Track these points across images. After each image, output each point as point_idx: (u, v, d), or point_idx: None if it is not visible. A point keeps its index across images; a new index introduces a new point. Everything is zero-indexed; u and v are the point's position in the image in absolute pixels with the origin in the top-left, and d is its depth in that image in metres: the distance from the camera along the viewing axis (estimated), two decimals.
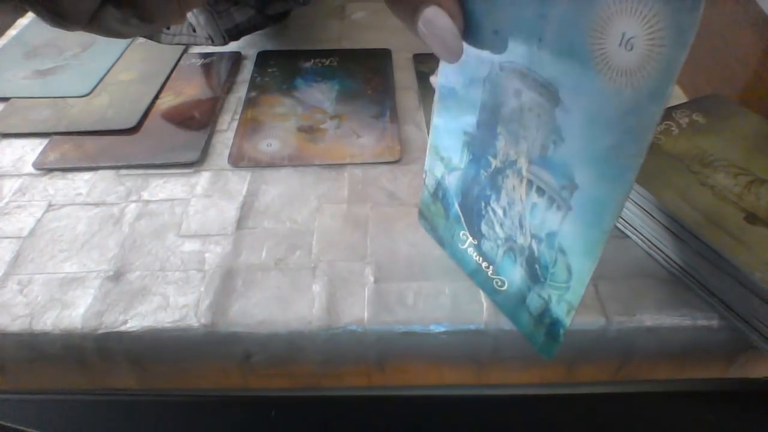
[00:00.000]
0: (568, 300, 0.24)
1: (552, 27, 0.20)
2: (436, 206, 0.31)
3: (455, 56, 0.22)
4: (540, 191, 0.24)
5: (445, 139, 0.28)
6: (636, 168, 0.19)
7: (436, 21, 0.21)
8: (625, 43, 0.17)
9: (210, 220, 0.36)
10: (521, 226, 0.26)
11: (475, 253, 0.30)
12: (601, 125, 0.19)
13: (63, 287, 0.31)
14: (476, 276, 0.30)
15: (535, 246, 0.25)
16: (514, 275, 0.27)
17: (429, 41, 0.22)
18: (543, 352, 0.27)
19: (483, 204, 0.28)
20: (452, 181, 0.29)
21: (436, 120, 0.28)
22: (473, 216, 0.29)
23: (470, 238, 0.30)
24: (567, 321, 0.25)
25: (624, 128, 0.19)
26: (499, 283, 0.29)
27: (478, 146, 0.26)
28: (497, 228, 0.27)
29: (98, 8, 0.21)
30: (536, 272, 0.26)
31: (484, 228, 0.28)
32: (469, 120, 0.26)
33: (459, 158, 0.28)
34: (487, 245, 0.29)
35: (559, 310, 0.25)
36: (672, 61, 0.16)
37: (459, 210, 0.30)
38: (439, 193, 0.31)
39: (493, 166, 0.26)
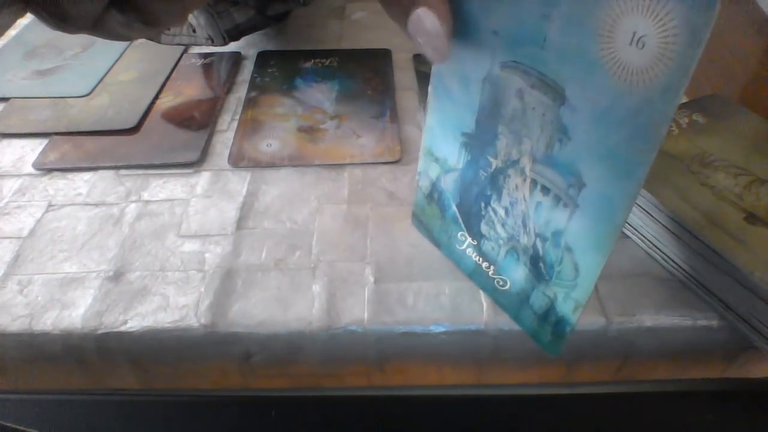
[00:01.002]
0: (575, 297, 0.24)
1: (556, 27, 0.20)
2: (432, 208, 0.31)
3: (442, 57, 0.22)
4: (545, 190, 0.24)
5: (440, 140, 0.28)
6: (648, 163, 0.19)
7: (425, 22, 0.21)
8: (636, 42, 0.17)
9: (210, 220, 0.36)
10: (524, 225, 0.26)
11: (474, 254, 0.30)
12: (611, 123, 0.19)
13: (63, 287, 0.31)
14: (476, 276, 0.30)
15: (539, 245, 0.25)
16: (516, 274, 0.27)
17: (417, 42, 0.22)
18: (548, 349, 0.27)
19: (483, 204, 0.28)
20: (449, 183, 0.29)
21: (431, 121, 0.28)
22: (472, 217, 0.29)
23: (469, 239, 0.30)
24: (574, 318, 0.25)
25: (635, 125, 0.19)
26: (501, 283, 0.29)
27: (477, 147, 0.26)
28: (498, 228, 0.27)
29: (102, 12, 0.21)
30: (541, 271, 0.26)
31: (484, 228, 0.28)
32: (467, 120, 0.26)
33: (456, 159, 0.28)
34: (487, 245, 0.29)
35: (565, 307, 0.25)
36: (686, 58, 0.16)
37: (457, 211, 0.30)
38: (434, 194, 0.31)
39: (493, 166, 0.26)
